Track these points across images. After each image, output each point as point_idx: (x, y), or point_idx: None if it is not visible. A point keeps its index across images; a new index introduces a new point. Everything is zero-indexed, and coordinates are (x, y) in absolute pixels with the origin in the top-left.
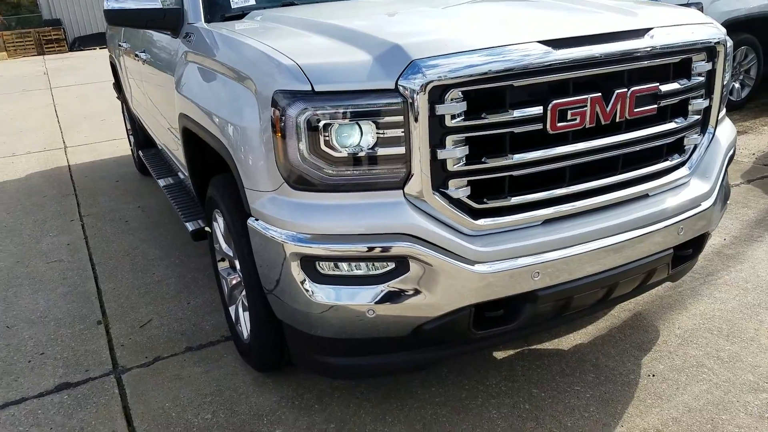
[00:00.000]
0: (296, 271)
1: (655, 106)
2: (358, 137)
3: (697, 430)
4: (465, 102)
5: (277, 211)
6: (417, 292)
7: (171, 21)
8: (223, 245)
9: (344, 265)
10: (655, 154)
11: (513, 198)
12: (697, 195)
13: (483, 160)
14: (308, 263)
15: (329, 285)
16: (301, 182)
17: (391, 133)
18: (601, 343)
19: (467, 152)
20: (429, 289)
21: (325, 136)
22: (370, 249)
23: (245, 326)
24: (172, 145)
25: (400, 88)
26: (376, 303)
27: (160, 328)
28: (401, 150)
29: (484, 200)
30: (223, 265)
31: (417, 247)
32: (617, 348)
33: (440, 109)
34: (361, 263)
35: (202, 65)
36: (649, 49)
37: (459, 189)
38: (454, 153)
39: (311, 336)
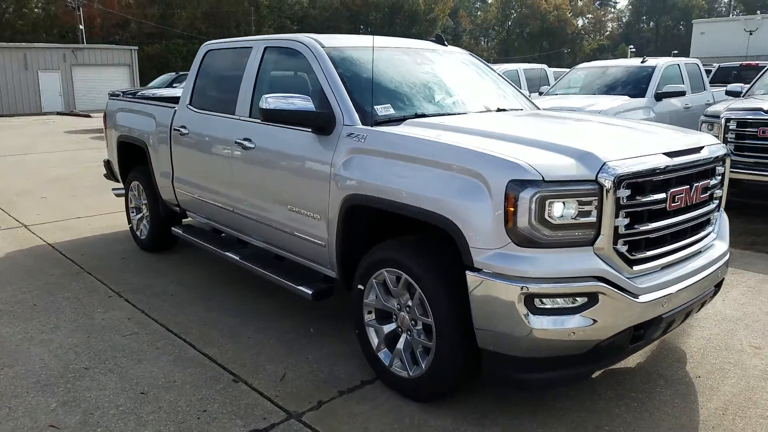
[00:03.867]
0: (519, 306)
1: (707, 194)
2: (565, 210)
3: (744, 405)
4: (629, 189)
5: (504, 262)
6: (603, 317)
7: (322, 122)
8: (383, 300)
9: (552, 301)
10: (703, 224)
11: (648, 251)
12: (722, 252)
13: (634, 226)
14: (529, 299)
15: (543, 315)
16: (524, 242)
17: (587, 207)
18: (653, 361)
19: (628, 221)
20: (610, 315)
21: (548, 210)
22: (574, 287)
23: (407, 365)
24: (288, 220)
25: (599, 179)
26: (577, 327)
27: (299, 380)
28: (593, 219)
29: (633, 253)
30: (369, 317)
31: (603, 285)
32: (666, 362)
33: (618, 193)
34: (562, 299)
35: (391, 159)
36: (706, 158)
37: (623, 246)
38: (623, 221)
39: (513, 357)
